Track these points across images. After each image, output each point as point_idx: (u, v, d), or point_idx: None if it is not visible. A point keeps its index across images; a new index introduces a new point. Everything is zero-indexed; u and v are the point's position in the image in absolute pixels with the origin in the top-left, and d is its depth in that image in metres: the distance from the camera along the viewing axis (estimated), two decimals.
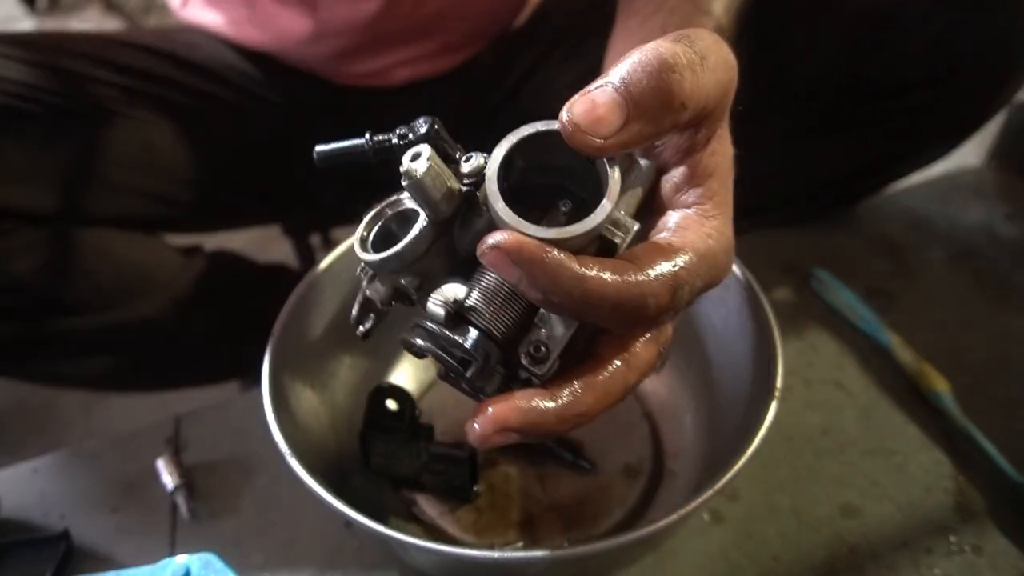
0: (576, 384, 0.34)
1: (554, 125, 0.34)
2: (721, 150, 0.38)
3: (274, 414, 0.51)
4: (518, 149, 0.34)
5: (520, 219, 0.32)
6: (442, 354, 0.35)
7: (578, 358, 0.36)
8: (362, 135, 0.42)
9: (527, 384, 0.36)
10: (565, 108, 0.32)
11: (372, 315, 0.42)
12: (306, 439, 0.55)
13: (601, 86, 0.33)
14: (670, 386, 0.68)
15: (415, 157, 0.35)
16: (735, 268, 0.58)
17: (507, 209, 0.33)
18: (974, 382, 0.71)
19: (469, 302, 0.35)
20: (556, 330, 0.35)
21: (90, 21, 2.86)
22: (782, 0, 0.70)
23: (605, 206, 0.32)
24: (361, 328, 0.42)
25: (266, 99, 0.88)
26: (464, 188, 0.36)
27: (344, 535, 0.63)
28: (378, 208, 0.40)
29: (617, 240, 0.34)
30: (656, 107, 0.32)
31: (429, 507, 0.63)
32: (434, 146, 0.36)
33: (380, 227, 0.40)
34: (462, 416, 0.69)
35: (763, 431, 0.46)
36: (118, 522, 0.67)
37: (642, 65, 0.32)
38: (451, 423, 0.69)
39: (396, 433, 0.61)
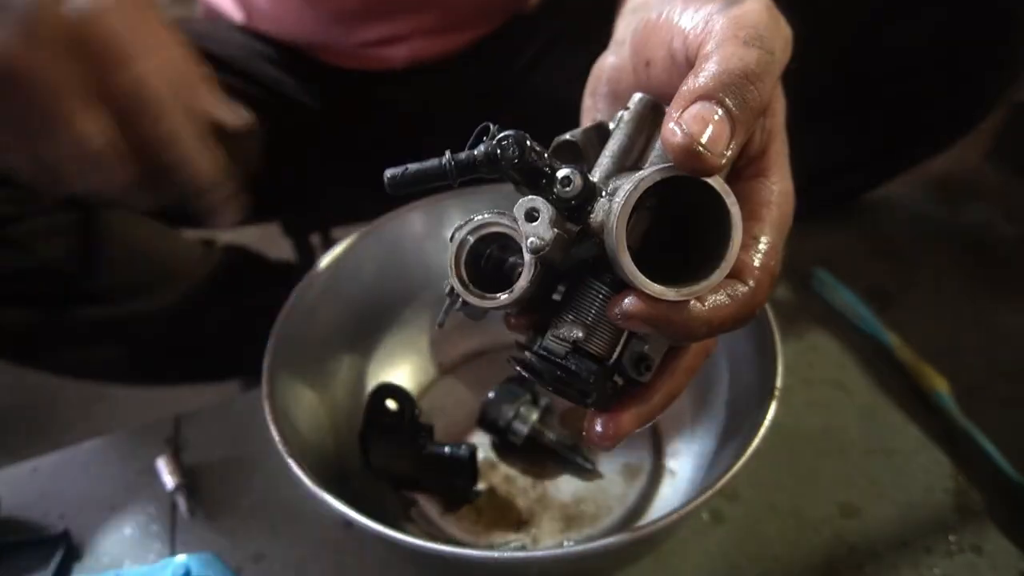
0: (668, 373, 0.38)
1: (669, 172, 0.32)
2: (779, 107, 0.39)
3: (274, 414, 0.51)
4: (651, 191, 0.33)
5: (651, 283, 0.32)
6: (562, 386, 0.37)
7: None
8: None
9: (625, 375, 0.38)
10: (676, 128, 0.31)
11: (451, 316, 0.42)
12: (306, 439, 0.55)
13: (699, 100, 0.32)
14: None
15: (531, 216, 0.33)
16: None
17: (640, 275, 0.31)
18: (974, 382, 0.71)
19: (582, 335, 0.36)
20: (658, 342, 0.37)
21: None
22: None
23: (730, 259, 0.32)
24: (443, 325, 0.43)
25: (273, 91, 0.87)
26: (576, 229, 0.35)
27: (344, 535, 0.63)
28: (466, 229, 0.36)
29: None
30: (752, 116, 0.33)
31: (429, 507, 0.63)
32: (528, 168, 0.34)
33: (471, 249, 0.37)
34: (462, 416, 0.69)
35: (763, 431, 0.46)
36: (118, 522, 0.67)
37: (732, 75, 0.33)
38: (451, 423, 0.69)
39: (396, 433, 0.61)
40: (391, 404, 0.62)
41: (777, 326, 0.53)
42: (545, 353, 0.37)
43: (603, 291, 0.36)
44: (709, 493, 0.43)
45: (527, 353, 0.38)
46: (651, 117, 0.39)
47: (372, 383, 0.66)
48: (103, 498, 0.69)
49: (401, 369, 0.71)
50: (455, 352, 0.74)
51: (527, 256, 0.35)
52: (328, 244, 1.33)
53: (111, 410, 1.35)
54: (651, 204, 0.36)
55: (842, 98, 0.80)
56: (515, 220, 0.34)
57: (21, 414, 1.36)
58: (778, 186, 0.38)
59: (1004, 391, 0.71)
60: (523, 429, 0.64)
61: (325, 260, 0.63)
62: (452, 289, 0.38)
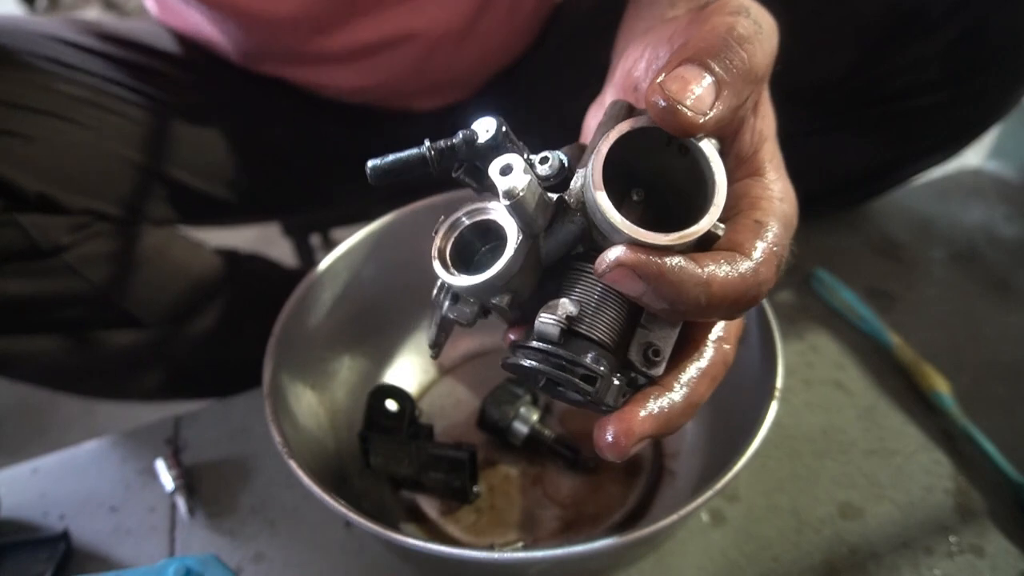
0: (687, 374, 0.35)
1: (642, 122, 0.32)
2: (767, 111, 0.38)
3: (274, 414, 0.51)
4: (623, 144, 0.33)
5: (637, 227, 0.31)
6: (562, 374, 0.34)
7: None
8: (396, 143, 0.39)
9: (635, 381, 0.35)
10: (656, 91, 0.31)
11: (445, 332, 0.40)
12: (306, 439, 0.55)
13: (684, 63, 0.32)
14: None
15: (506, 170, 0.32)
16: None
17: (625, 220, 0.31)
18: (974, 382, 0.71)
19: (579, 314, 0.34)
20: (664, 328, 0.34)
21: None
22: (797, 1, 0.69)
23: (718, 203, 0.31)
24: (437, 348, 0.40)
25: (283, 100, 0.88)
26: (555, 197, 0.34)
27: (344, 535, 0.63)
28: (452, 218, 0.37)
29: (720, 232, 0.33)
30: (740, 79, 0.32)
31: (429, 507, 0.63)
32: (506, 149, 0.34)
33: (456, 239, 0.37)
34: (462, 416, 0.69)
35: (763, 431, 0.46)
36: (118, 522, 0.67)
37: (718, 38, 0.32)
38: (451, 423, 0.69)
39: (396, 433, 0.61)
40: (391, 404, 0.62)
41: (777, 326, 0.53)
42: (538, 340, 0.34)
43: (589, 269, 0.35)
44: (709, 493, 0.43)
45: (519, 350, 0.35)
46: (627, 117, 0.38)
47: (372, 383, 0.66)
48: (103, 498, 0.69)
49: (401, 369, 0.71)
50: (455, 352, 0.74)
51: (510, 226, 0.34)
52: (328, 244, 1.34)
53: (111, 410, 1.35)
54: (640, 197, 0.36)
55: (858, 111, 0.80)
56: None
57: (21, 414, 1.36)
58: (777, 184, 0.37)
59: (1004, 391, 0.71)
60: (523, 429, 0.64)
61: (325, 260, 0.63)
62: (439, 288, 0.38)
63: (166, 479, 0.68)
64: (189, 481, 0.68)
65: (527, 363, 0.34)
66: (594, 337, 0.34)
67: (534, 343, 0.34)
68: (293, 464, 0.47)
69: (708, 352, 0.36)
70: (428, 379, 0.73)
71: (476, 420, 0.65)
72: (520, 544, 0.60)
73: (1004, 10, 0.69)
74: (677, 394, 0.34)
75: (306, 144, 0.91)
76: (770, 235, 0.34)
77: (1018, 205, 0.95)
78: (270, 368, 0.54)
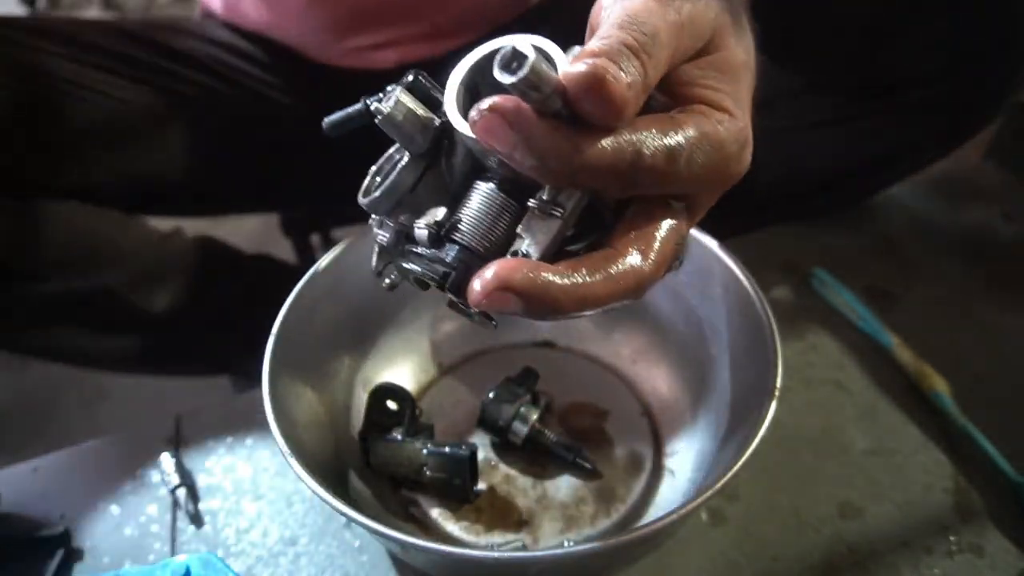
0: (585, 268, 0.33)
1: (499, 43, 0.34)
2: (730, 56, 0.37)
3: (274, 414, 0.51)
4: (480, 72, 0.35)
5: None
6: (429, 272, 0.37)
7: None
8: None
9: None
10: (578, 65, 0.31)
11: (393, 267, 0.42)
12: (306, 439, 0.55)
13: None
14: (670, 385, 0.68)
15: (385, 98, 0.37)
16: (735, 268, 0.58)
17: (457, 110, 0.34)
18: (974, 382, 0.71)
19: (451, 221, 0.37)
20: (537, 237, 0.34)
21: None
22: None
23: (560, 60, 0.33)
24: (386, 281, 0.43)
25: (253, 85, 0.88)
26: (439, 119, 0.37)
27: (344, 535, 0.63)
28: (379, 162, 0.42)
29: None
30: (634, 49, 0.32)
31: (429, 507, 0.63)
32: (415, 91, 0.38)
33: (381, 178, 0.41)
34: (462, 416, 0.69)
35: (763, 431, 0.46)
36: (118, 522, 0.67)
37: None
38: (451, 423, 0.69)
39: (396, 433, 0.61)
40: (391, 404, 0.62)
41: (777, 326, 0.53)
42: (414, 243, 0.38)
43: (477, 186, 0.37)
44: (709, 493, 0.43)
45: (405, 251, 0.39)
46: None
47: (372, 383, 0.66)
48: (103, 498, 0.69)
49: (401, 369, 0.71)
50: (455, 352, 0.74)
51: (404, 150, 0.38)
52: (328, 244, 1.34)
53: (111, 410, 1.35)
54: None
55: (856, 104, 0.80)
56: None
57: (21, 414, 1.37)
58: (723, 113, 0.35)
59: (1004, 391, 0.71)
60: (523, 429, 0.64)
61: (325, 260, 0.63)
62: (371, 218, 0.41)
63: (166, 479, 0.68)
64: (189, 481, 0.68)
65: (405, 264, 0.39)
66: (464, 242, 0.36)
67: (414, 248, 0.38)
68: (294, 463, 0.47)
69: (620, 259, 0.34)
70: (428, 379, 0.73)
71: (476, 420, 0.65)
72: (520, 544, 0.60)
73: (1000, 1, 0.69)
74: (563, 276, 0.32)
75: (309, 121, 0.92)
76: (678, 129, 0.33)
77: (1017, 205, 0.95)
78: (270, 368, 0.54)
